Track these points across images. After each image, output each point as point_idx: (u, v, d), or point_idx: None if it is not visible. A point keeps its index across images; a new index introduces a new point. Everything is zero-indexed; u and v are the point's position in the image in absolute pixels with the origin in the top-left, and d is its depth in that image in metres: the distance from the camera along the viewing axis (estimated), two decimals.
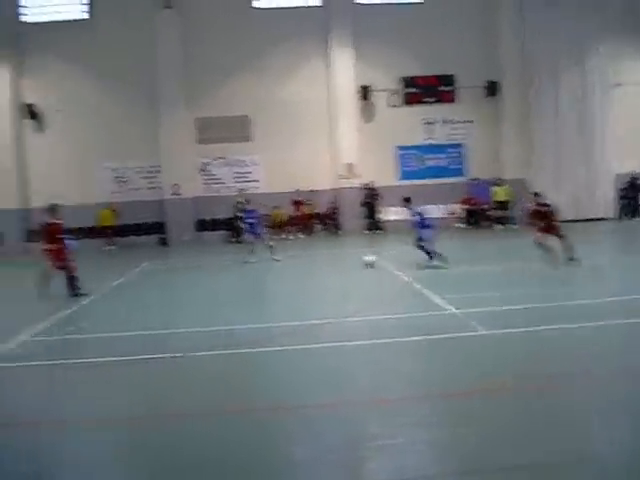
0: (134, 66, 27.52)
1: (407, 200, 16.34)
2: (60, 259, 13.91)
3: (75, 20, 28.03)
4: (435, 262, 15.45)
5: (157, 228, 27.52)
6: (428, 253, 15.65)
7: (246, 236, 20.12)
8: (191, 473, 5.37)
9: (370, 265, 16.06)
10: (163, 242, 27.04)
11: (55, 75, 27.81)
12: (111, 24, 27.44)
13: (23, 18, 27.94)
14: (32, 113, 27.53)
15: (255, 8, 28.19)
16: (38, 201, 26.59)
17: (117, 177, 27.98)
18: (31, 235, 25.31)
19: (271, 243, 19.73)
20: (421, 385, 7.24)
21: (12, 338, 10.09)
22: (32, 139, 27.95)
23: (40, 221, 14.77)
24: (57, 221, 14.27)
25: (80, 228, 24.94)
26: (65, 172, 27.59)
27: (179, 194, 27.16)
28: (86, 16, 28.14)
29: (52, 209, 14.38)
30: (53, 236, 13.99)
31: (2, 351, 9.41)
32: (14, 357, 9.17)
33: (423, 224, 15.77)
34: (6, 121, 27.39)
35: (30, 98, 27.81)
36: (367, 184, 27.56)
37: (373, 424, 6.22)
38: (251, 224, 19.65)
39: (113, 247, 26.76)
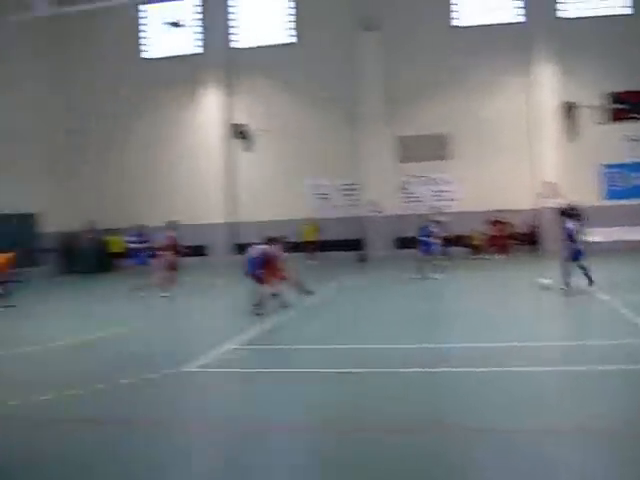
0: (336, 86, 29.06)
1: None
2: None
3: (281, 44, 29.47)
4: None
5: (356, 244, 28.42)
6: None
7: (419, 253, 21.54)
8: None
9: (546, 288, 16.18)
10: (362, 258, 27.86)
11: (262, 96, 29.80)
12: (314, 46, 29.58)
13: (234, 45, 29.57)
14: (241, 133, 29.22)
15: (455, 27, 28.55)
16: (244, 217, 28.30)
17: (319, 194, 29.11)
18: (237, 249, 26.96)
19: (445, 263, 21.48)
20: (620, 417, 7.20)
21: (218, 347, 11.63)
22: (241, 158, 29.63)
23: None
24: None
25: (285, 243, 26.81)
26: (270, 189, 29.17)
27: (378, 211, 27.94)
28: (292, 40, 29.53)
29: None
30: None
31: (208, 359, 10.88)
32: (217, 364, 10.56)
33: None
34: (218, 140, 29.43)
35: (239, 118, 29.51)
36: (569, 203, 27.02)
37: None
38: (425, 242, 21.17)
39: (315, 262, 27.88)
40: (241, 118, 30.51)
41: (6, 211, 26.54)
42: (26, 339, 13.71)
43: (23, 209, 27.76)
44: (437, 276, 20.75)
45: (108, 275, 28.40)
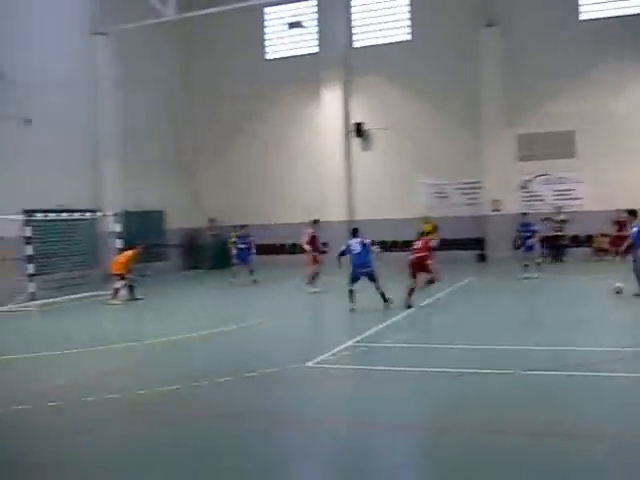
0: (454, 84, 28.88)
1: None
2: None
3: (398, 42, 29.58)
4: None
5: (476, 243, 28.07)
6: None
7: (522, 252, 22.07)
8: None
9: (618, 291, 16.01)
10: (481, 258, 27.50)
11: (379, 95, 30.02)
12: (432, 44, 29.48)
13: (352, 44, 29.95)
14: (359, 131, 29.39)
15: (582, 21, 27.59)
16: (360, 215, 28.55)
17: (436, 193, 28.96)
18: None
19: (538, 260, 21.92)
20: None
21: (340, 344, 11.86)
22: (358, 156, 29.86)
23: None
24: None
25: (400, 242, 27.94)
26: (387, 187, 29.32)
27: (499, 210, 27.46)
28: (408, 37, 29.49)
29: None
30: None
31: (328, 355, 11.09)
32: (335, 360, 10.76)
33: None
34: (337, 139, 29.71)
35: (357, 117, 29.71)
36: None
37: None
38: (525, 239, 21.69)
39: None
40: (359, 117, 30.75)
41: (137, 208, 27.86)
42: (150, 332, 14.44)
43: (152, 206, 29.03)
44: (536, 275, 20.94)
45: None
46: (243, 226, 24.59)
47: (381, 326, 13.65)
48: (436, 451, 6.85)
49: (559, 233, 26.74)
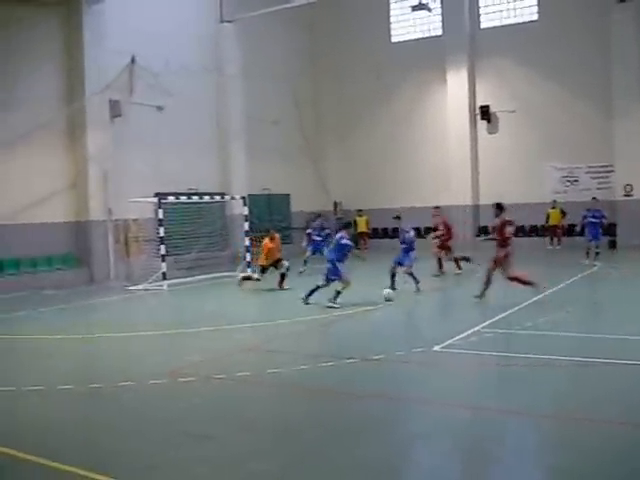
0: (583, 64, 27.95)
1: None
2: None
3: (525, 22, 28.75)
4: None
5: (606, 230, 26.83)
6: None
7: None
8: None
9: None
10: (612, 244, 26.39)
11: (505, 77, 29.39)
12: (560, 23, 28.64)
13: (477, 25, 29.34)
14: (485, 114, 28.78)
15: None
16: (485, 199, 27.97)
17: (564, 177, 28.01)
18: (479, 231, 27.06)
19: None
20: None
21: (469, 329, 11.55)
22: (484, 140, 29.28)
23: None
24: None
25: (527, 226, 28.58)
26: (513, 171, 28.57)
27: (631, 195, 26.19)
28: (535, 17, 28.61)
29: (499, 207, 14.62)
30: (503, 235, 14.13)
31: (457, 340, 10.87)
32: (462, 345, 10.60)
33: None
34: (463, 122, 29.36)
35: (483, 100, 29.11)
36: None
37: None
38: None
39: (558, 247, 26.92)
40: (485, 99, 30.08)
41: (263, 192, 28.44)
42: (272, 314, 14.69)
43: (277, 190, 29.55)
44: (596, 263, 20.51)
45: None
46: (318, 215, 24.18)
47: (509, 312, 13.31)
48: (564, 440, 6.61)
49: None
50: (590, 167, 28.47)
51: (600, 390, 8.15)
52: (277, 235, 18.79)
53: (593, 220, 21.36)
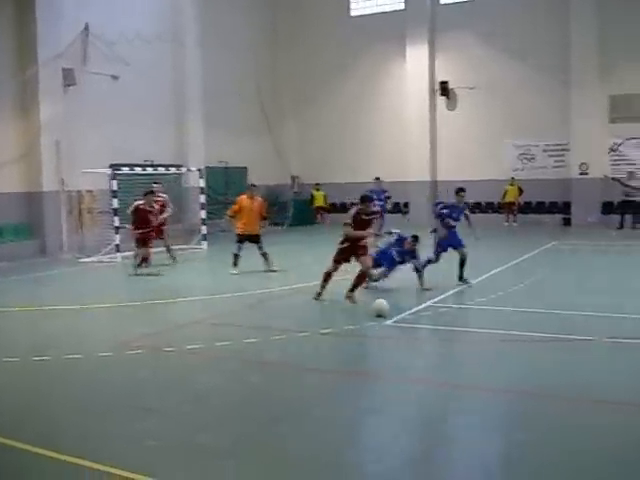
0: (544, 42, 28.06)
1: None
2: None
3: None
4: None
5: (560, 208, 27.37)
6: None
7: None
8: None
9: None
10: (566, 222, 26.78)
11: (466, 53, 29.40)
12: (521, 0, 27.75)
13: (440, 0, 29.31)
14: (444, 90, 28.90)
15: None
16: (443, 175, 28.18)
17: (522, 154, 28.26)
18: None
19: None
20: None
21: (419, 304, 11.83)
22: (443, 116, 29.40)
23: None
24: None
25: (483, 203, 28.92)
26: (471, 148, 28.84)
27: (586, 174, 26.59)
28: None
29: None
30: None
31: (409, 314, 11.07)
32: (414, 320, 10.77)
33: None
34: (421, 98, 29.47)
35: (443, 76, 29.22)
36: None
37: None
38: None
39: (515, 224, 27.28)
40: (445, 75, 30.11)
41: (220, 164, 28.21)
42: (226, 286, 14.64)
43: (235, 163, 29.30)
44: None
45: (313, 227, 29.61)
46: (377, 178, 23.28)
47: (462, 287, 13.46)
48: (510, 414, 6.73)
49: (630, 198, 25.86)
50: (547, 145, 28.73)
51: (550, 364, 8.30)
52: (260, 198, 16.57)
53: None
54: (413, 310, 11.31)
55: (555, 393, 7.15)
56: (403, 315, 10.95)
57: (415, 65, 30.36)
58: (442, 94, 29.96)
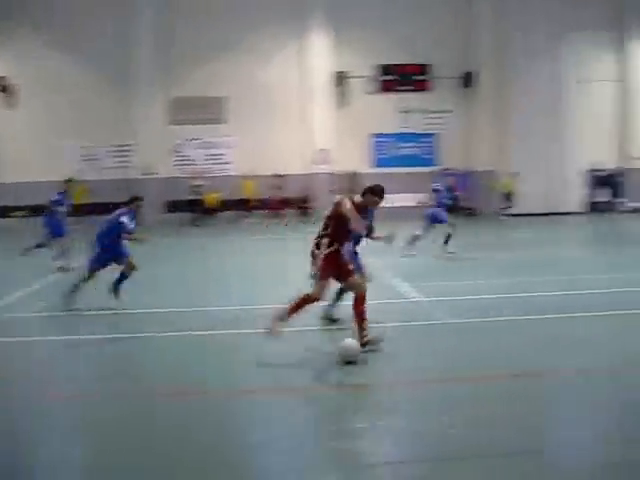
0: (106, 42, 27.65)
1: None
2: None
3: None
4: None
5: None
6: None
7: None
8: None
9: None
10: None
11: (24, 46, 27.49)
12: None
13: None
14: (4, 87, 27.24)
15: None
16: (11, 177, 26.59)
17: (85, 155, 27.83)
18: None
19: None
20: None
21: None
22: (2, 114, 27.65)
23: None
24: None
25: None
26: (34, 148, 27.46)
27: (152, 173, 27.15)
28: None
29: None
30: None
31: None
32: None
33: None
34: None
35: (1, 70, 27.48)
36: (348, 171, 27.48)
37: None
38: None
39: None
40: (5, 71, 28.28)
41: None
42: None
43: None
44: None
45: None
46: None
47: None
48: None
49: (198, 197, 27.29)
50: (112, 146, 28.69)
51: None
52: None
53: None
54: None
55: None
56: None
57: None
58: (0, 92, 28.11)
